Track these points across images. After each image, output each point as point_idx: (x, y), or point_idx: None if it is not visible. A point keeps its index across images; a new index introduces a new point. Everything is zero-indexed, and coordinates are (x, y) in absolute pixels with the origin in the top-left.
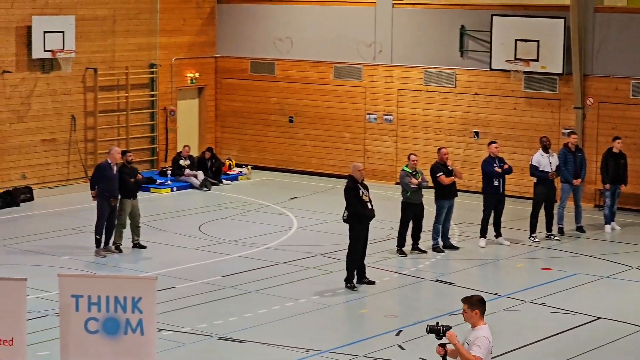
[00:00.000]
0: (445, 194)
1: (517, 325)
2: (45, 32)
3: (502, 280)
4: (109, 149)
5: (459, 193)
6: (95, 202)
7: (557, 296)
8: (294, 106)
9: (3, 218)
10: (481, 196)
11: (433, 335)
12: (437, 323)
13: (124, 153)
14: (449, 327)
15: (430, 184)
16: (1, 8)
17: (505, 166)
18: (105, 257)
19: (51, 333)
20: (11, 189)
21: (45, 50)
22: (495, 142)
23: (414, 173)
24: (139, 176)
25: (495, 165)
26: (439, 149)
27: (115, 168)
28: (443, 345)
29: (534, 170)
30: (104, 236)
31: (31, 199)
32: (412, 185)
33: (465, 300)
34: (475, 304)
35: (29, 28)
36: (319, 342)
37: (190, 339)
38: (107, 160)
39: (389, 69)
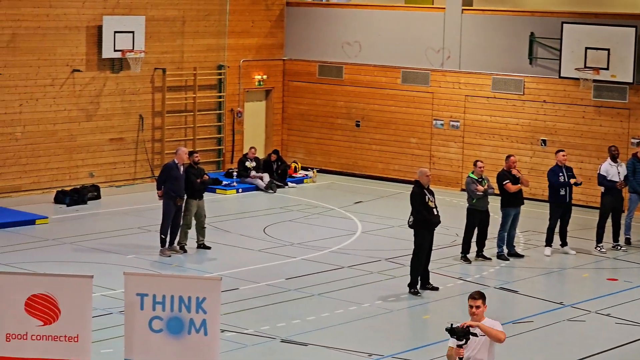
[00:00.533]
0: (512, 202)
1: (581, 335)
2: (115, 32)
3: (567, 290)
4: (176, 149)
5: (525, 201)
6: (161, 201)
7: (623, 307)
8: (361, 110)
9: (70, 216)
10: (547, 205)
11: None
12: (452, 325)
13: (191, 154)
14: (472, 333)
15: (496, 191)
16: (72, 7)
17: (576, 180)
18: (170, 256)
19: (115, 331)
20: (79, 186)
21: (115, 50)
22: (563, 151)
23: (480, 180)
24: (206, 177)
25: (561, 174)
26: (508, 157)
27: (181, 168)
28: (460, 347)
29: (602, 179)
30: (169, 236)
31: (98, 197)
32: (477, 193)
33: (479, 296)
34: (485, 299)
35: (100, 28)
36: (381, 347)
37: (252, 340)
38: (174, 160)
39: (457, 75)
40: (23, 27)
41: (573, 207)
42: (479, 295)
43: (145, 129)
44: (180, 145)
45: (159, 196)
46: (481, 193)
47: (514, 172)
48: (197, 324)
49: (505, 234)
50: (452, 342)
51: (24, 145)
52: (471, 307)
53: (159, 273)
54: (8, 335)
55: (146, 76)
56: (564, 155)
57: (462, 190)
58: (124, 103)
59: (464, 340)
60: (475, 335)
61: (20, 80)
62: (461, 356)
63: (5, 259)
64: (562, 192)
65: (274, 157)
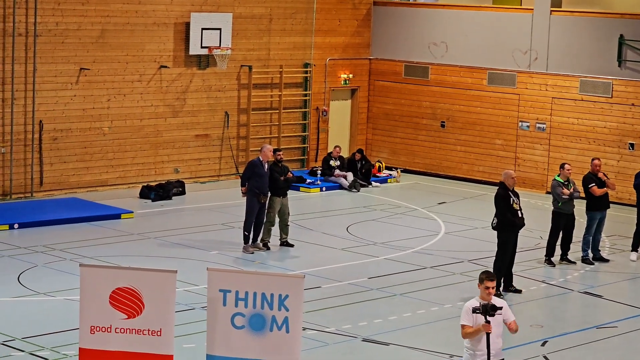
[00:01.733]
0: (598, 205)
1: None
2: (202, 28)
3: None
4: (261, 146)
5: (611, 205)
6: (245, 198)
7: None
8: (446, 111)
9: (155, 211)
10: (634, 209)
11: (578, 349)
12: (481, 303)
13: (275, 151)
14: (499, 308)
15: (582, 194)
16: (161, 4)
17: None
18: (252, 253)
19: (198, 326)
20: (164, 182)
21: (202, 47)
22: None
23: (566, 183)
24: (290, 175)
25: None
26: (592, 160)
27: (266, 166)
28: (489, 322)
29: None
30: (252, 233)
31: (183, 192)
32: (563, 196)
33: (491, 276)
34: None
35: (187, 24)
36: (462, 349)
37: (334, 339)
38: (259, 158)
39: (544, 77)
40: (112, 23)
41: None
42: (494, 277)
43: (230, 126)
44: (265, 143)
45: (242, 193)
46: (567, 196)
47: (600, 175)
48: (279, 321)
49: (591, 237)
50: (467, 320)
51: (111, 140)
52: (487, 288)
53: (242, 269)
54: (92, 327)
55: (232, 73)
56: None
57: (547, 192)
58: (209, 100)
59: (494, 315)
60: (500, 310)
61: (109, 76)
62: (490, 331)
63: (91, 252)
64: None
65: (358, 156)
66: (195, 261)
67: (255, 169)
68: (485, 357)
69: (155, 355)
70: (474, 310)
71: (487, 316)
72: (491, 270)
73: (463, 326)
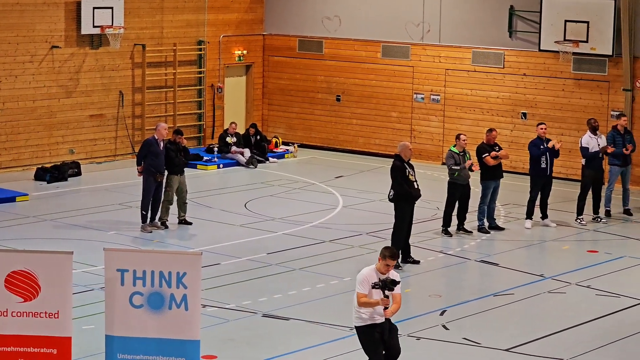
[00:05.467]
0: (491, 175)
1: (562, 307)
2: (94, 7)
3: (547, 262)
4: (156, 125)
5: (505, 174)
6: (142, 177)
7: (603, 279)
8: (341, 85)
9: (51, 192)
10: (528, 177)
11: (476, 317)
12: (380, 279)
13: (177, 134)
14: (398, 282)
15: (477, 166)
16: None
17: (556, 145)
18: (151, 232)
19: (96, 307)
20: (59, 163)
21: (94, 26)
22: (543, 124)
23: (462, 154)
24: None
25: (542, 146)
26: (490, 130)
27: (162, 144)
28: (387, 297)
29: (586, 151)
30: (150, 212)
31: (79, 173)
32: (453, 167)
33: (395, 256)
34: None
35: (79, 4)
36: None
37: (234, 315)
38: (154, 136)
39: (437, 49)
40: (1, 3)
41: (553, 180)
42: (394, 256)
43: (125, 105)
44: (161, 121)
45: (139, 172)
46: (457, 168)
47: (492, 153)
48: (178, 299)
49: (486, 206)
50: (364, 289)
51: (3, 122)
52: (388, 265)
53: (139, 248)
54: None
55: (126, 52)
56: (542, 128)
57: (443, 164)
58: (103, 79)
59: (393, 289)
60: (399, 283)
61: None
62: (388, 305)
63: None
64: (543, 165)
65: (252, 130)
66: (93, 242)
67: (151, 147)
68: (383, 323)
69: (53, 337)
70: (374, 286)
71: (387, 290)
72: (390, 244)
73: (360, 295)
